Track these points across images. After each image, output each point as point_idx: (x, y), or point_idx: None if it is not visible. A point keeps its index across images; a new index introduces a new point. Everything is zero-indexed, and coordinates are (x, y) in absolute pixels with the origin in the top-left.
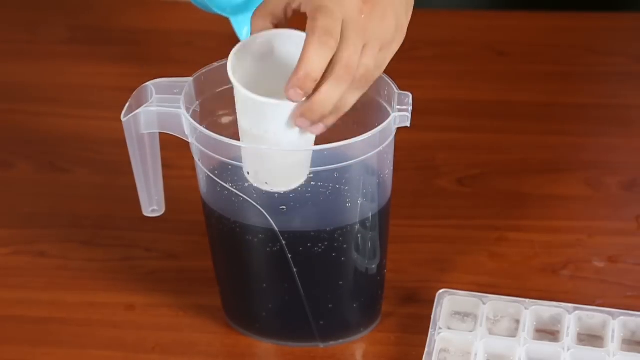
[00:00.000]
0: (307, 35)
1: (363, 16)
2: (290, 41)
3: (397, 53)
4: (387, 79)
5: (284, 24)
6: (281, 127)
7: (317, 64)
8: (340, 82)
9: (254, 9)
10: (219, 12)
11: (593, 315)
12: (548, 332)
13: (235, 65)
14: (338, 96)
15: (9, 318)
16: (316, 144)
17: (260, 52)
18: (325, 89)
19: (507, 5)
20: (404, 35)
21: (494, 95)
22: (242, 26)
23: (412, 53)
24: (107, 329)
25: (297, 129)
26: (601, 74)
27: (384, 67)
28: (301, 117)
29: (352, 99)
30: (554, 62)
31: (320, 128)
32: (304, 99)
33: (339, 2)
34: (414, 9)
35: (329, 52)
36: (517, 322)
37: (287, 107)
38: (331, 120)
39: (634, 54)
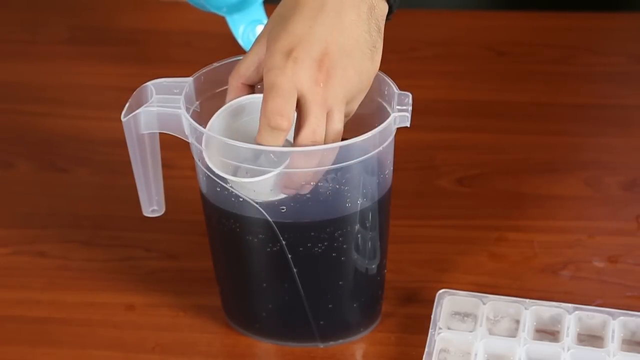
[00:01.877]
0: (260, 119)
1: (321, 84)
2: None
3: (397, 53)
4: (387, 79)
5: (257, 83)
6: (263, 191)
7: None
8: (312, 155)
9: (249, 8)
10: (215, 11)
11: (593, 316)
12: (548, 332)
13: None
14: (314, 164)
15: (9, 318)
16: None
17: (233, 119)
18: (300, 164)
19: (507, 5)
20: (372, 80)
21: (494, 95)
22: (237, 25)
23: (412, 53)
24: (107, 329)
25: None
26: (601, 74)
27: (352, 114)
28: (286, 188)
29: (331, 157)
30: (554, 62)
31: (307, 189)
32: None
33: (292, 77)
34: (414, 9)
35: (282, 134)
36: (517, 322)
37: (264, 181)
38: (317, 179)
39: (634, 54)
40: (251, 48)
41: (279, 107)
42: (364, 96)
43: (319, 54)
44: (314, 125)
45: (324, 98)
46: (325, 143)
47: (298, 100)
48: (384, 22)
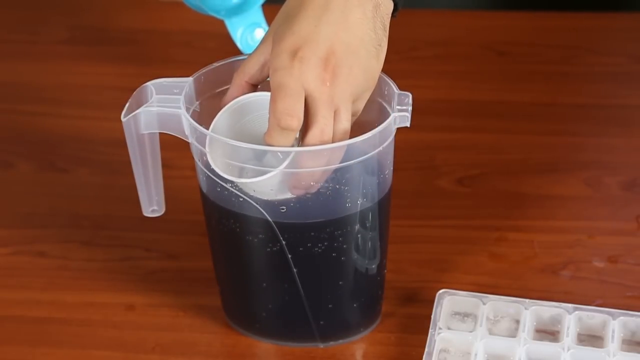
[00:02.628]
0: (269, 119)
1: (328, 84)
2: (267, 104)
3: (397, 53)
4: (387, 79)
5: (261, 82)
6: (262, 190)
7: (283, 146)
8: (320, 154)
9: (248, 11)
10: (213, 14)
11: (593, 316)
12: (548, 332)
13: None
14: (323, 163)
15: (9, 318)
16: None
17: (236, 118)
18: (308, 163)
19: (507, 5)
20: (377, 78)
21: (494, 95)
22: (236, 28)
23: (412, 53)
24: (107, 329)
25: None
26: (601, 74)
27: (359, 113)
28: (295, 189)
29: (339, 155)
30: (554, 62)
31: (315, 188)
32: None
33: (299, 76)
34: (414, 9)
35: (292, 133)
36: (517, 322)
37: (269, 179)
38: (324, 178)
39: (634, 54)
40: (257, 47)
41: (288, 107)
42: (369, 95)
43: (324, 53)
44: (322, 125)
45: (331, 97)
46: (332, 142)
47: (305, 100)
48: (389, 20)
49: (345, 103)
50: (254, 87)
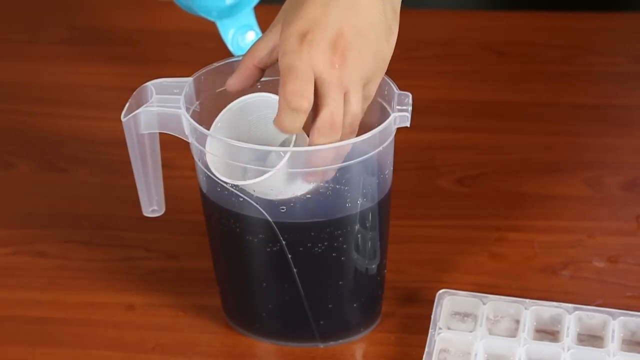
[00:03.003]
0: (279, 101)
1: (337, 66)
2: (269, 105)
3: (397, 53)
4: (387, 79)
5: (269, 66)
6: (263, 191)
7: (292, 131)
8: (331, 137)
9: (239, 13)
10: (205, 16)
11: (593, 316)
12: (548, 332)
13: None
14: (334, 148)
15: (9, 318)
16: None
17: (238, 119)
18: (319, 147)
19: (507, 5)
20: (388, 62)
21: (494, 95)
22: (227, 30)
23: (412, 53)
24: (107, 329)
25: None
26: (601, 74)
27: (371, 97)
28: (309, 176)
29: (350, 137)
30: (554, 62)
31: (330, 175)
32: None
33: (307, 58)
34: (414, 9)
35: (302, 115)
36: (517, 322)
37: (269, 180)
38: (339, 162)
39: (634, 54)
40: (266, 33)
41: (298, 88)
42: (380, 79)
43: (333, 36)
44: (332, 107)
45: (340, 80)
46: (343, 125)
47: (315, 84)
48: (400, 3)
49: (355, 86)
50: (262, 71)
